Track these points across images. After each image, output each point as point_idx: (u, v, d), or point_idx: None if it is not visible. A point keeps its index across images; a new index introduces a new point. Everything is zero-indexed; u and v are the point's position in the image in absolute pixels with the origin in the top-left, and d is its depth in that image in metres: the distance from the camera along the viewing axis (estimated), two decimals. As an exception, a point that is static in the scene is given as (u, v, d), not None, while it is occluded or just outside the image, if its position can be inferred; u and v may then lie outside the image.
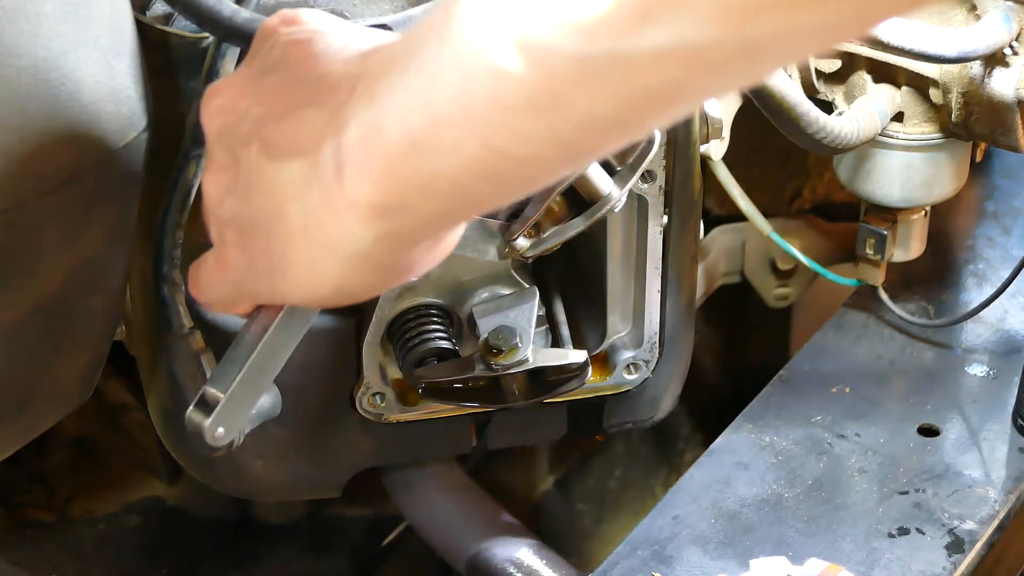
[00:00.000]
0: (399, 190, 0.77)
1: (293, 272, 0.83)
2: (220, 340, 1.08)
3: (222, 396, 0.90)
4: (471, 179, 0.75)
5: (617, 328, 1.22)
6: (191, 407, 0.91)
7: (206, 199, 0.88)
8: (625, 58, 0.68)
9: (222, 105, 0.86)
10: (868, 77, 1.35)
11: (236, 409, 0.90)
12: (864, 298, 1.47)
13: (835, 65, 1.36)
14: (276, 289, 0.85)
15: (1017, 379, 1.32)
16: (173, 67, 1.05)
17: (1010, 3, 1.28)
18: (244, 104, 0.85)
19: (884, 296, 1.45)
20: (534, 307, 1.15)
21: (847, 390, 1.38)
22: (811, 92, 1.36)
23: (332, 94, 0.80)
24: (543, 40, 0.69)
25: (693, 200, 1.19)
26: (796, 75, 1.35)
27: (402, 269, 0.83)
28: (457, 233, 0.86)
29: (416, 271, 0.84)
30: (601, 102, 0.70)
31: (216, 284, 0.90)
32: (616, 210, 1.05)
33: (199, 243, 1.07)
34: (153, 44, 1.02)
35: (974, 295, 1.50)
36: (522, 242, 1.07)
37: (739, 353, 1.85)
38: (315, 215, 0.80)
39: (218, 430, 0.90)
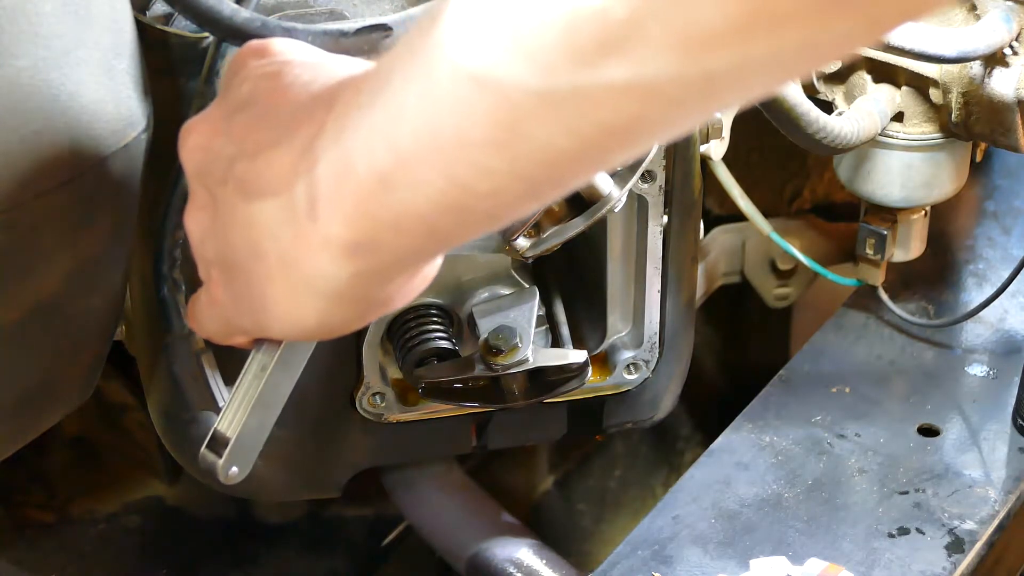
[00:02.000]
0: (370, 227, 0.77)
1: (274, 310, 0.84)
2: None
3: (231, 436, 0.91)
4: (438, 215, 0.76)
5: (617, 328, 1.22)
6: (203, 446, 0.92)
7: (190, 238, 0.88)
8: (583, 92, 0.68)
9: (197, 144, 0.86)
10: (868, 77, 1.35)
11: (247, 447, 0.91)
12: (864, 298, 1.47)
13: (835, 65, 1.36)
14: (261, 325, 0.86)
15: (1017, 379, 1.32)
16: (173, 67, 1.05)
17: (1010, 3, 1.28)
18: (218, 143, 0.85)
19: (884, 296, 1.45)
20: (534, 307, 1.15)
21: (847, 390, 1.38)
22: (811, 92, 1.36)
23: (301, 129, 0.80)
24: (503, 74, 0.69)
25: (693, 200, 1.19)
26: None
27: (380, 303, 0.84)
28: (434, 265, 0.86)
29: (395, 304, 0.85)
30: (560, 136, 0.71)
31: (209, 319, 0.91)
32: (616, 210, 1.05)
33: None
34: (153, 44, 1.02)
35: (974, 295, 1.50)
36: (522, 242, 1.07)
37: (739, 353, 1.85)
38: (291, 254, 0.80)
39: (231, 469, 0.91)
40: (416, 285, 0.85)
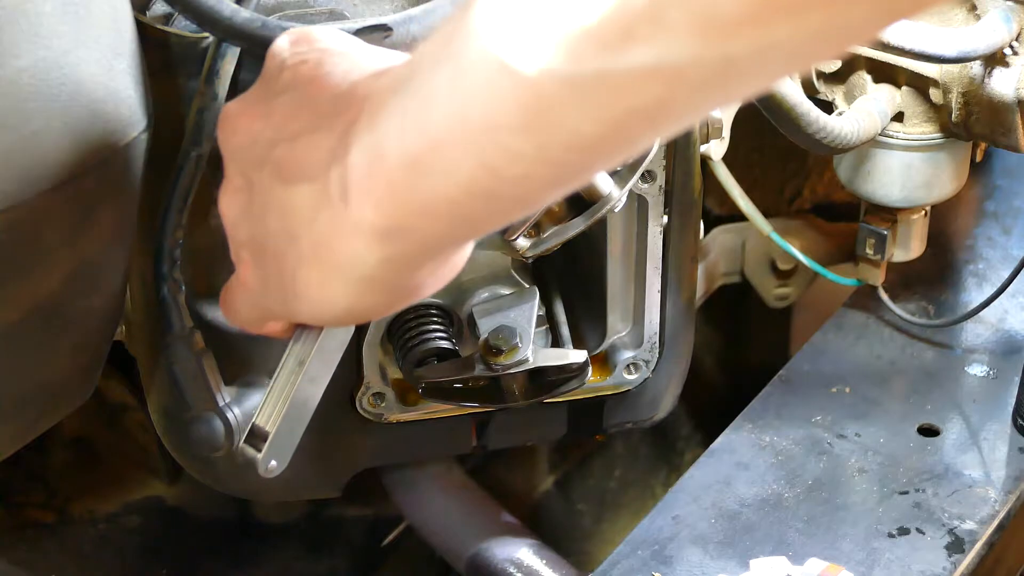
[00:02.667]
0: (400, 212, 0.79)
1: (305, 294, 0.85)
2: (220, 340, 1.08)
3: (271, 430, 0.92)
4: (468, 200, 0.77)
5: (617, 328, 1.22)
6: (242, 440, 0.94)
7: (224, 220, 0.90)
8: (609, 77, 0.70)
9: (237, 127, 0.88)
10: (868, 77, 1.35)
11: (285, 440, 0.93)
12: (864, 298, 1.47)
13: (835, 65, 1.36)
14: (290, 308, 0.88)
15: (1017, 379, 1.32)
16: (173, 67, 1.05)
17: (1010, 3, 1.28)
18: (257, 127, 0.87)
19: (884, 296, 1.45)
20: (534, 307, 1.15)
21: (847, 390, 1.38)
22: (811, 92, 1.36)
23: (339, 117, 0.82)
24: (532, 61, 0.70)
25: (693, 200, 1.19)
26: (796, 75, 1.35)
27: (410, 290, 0.85)
28: (463, 254, 0.87)
29: (424, 292, 0.86)
30: (587, 121, 0.72)
31: (240, 305, 0.92)
32: (616, 210, 1.05)
33: (199, 244, 1.07)
34: (153, 44, 1.02)
35: (974, 295, 1.50)
36: (522, 242, 1.07)
37: (739, 353, 1.85)
38: (324, 238, 0.82)
39: (271, 462, 0.93)
40: (445, 273, 0.87)
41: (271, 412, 0.93)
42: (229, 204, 0.89)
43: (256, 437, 0.93)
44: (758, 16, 0.67)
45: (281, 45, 0.90)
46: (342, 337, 0.93)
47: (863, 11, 0.68)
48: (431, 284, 0.86)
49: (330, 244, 0.82)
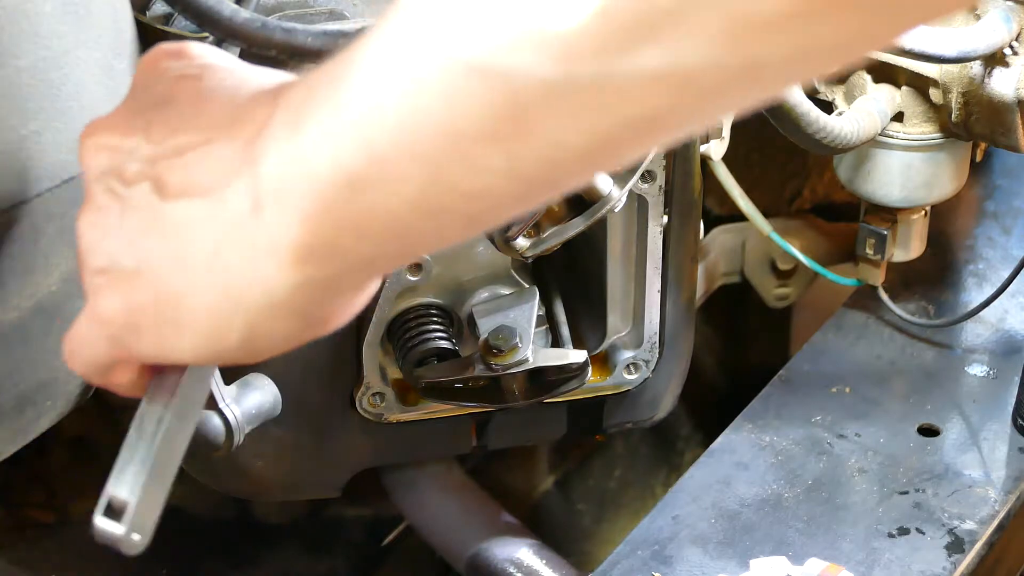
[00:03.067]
0: (330, 230, 0.70)
1: (190, 324, 0.75)
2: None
3: (130, 501, 0.80)
4: (413, 218, 0.69)
5: (617, 328, 1.22)
6: (98, 515, 0.80)
7: (79, 244, 0.79)
8: (607, 83, 0.62)
9: (105, 143, 0.79)
10: (868, 77, 1.35)
11: (148, 511, 0.81)
12: (864, 298, 1.47)
13: (835, 65, 1.36)
14: (165, 344, 0.77)
15: (1017, 379, 1.32)
16: (173, 67, 1.05)
17: (1010, 3, 1.28)
18: (131, 143, 0.78)
19: (884, 296, 1.45)
20: (534, 307, 1.15)
21: (847, 390, 1.38)
22: (811, 92, 1.36)
23: (239, 127, 0.73)
24: (507, 60, 0.63)
25: (693, 200, 1.19)
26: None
27: (320, 321, 0.76)
28: (375, 285, 0.78)
29: (332, 325, 0.77)
30: (572, 132, 0.64)
31: (89, 343, 0.80)
32: (616, 210, 1.05)
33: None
34: (153, 44, 1.02)
35: (974, 295, 1.50)
36: (522, 242, 1.07)
37: (739, 353, 1.85)
38: (223, 258, 0.73)
39: (133, 537, 0.80)
40: (356, 305, 0.78)
41: (130, 480, 0.80)
42: (90, 225, 0.78)
43: (114, 511, 0.80)
44: (798, 17, 0.60)
45: (154, 59, 0.82)
46: (203, 390, 0.83)
47: (903, 10, 0.61)
48: (340, 317, 0.76)
49: (230, 265, 0.72)
